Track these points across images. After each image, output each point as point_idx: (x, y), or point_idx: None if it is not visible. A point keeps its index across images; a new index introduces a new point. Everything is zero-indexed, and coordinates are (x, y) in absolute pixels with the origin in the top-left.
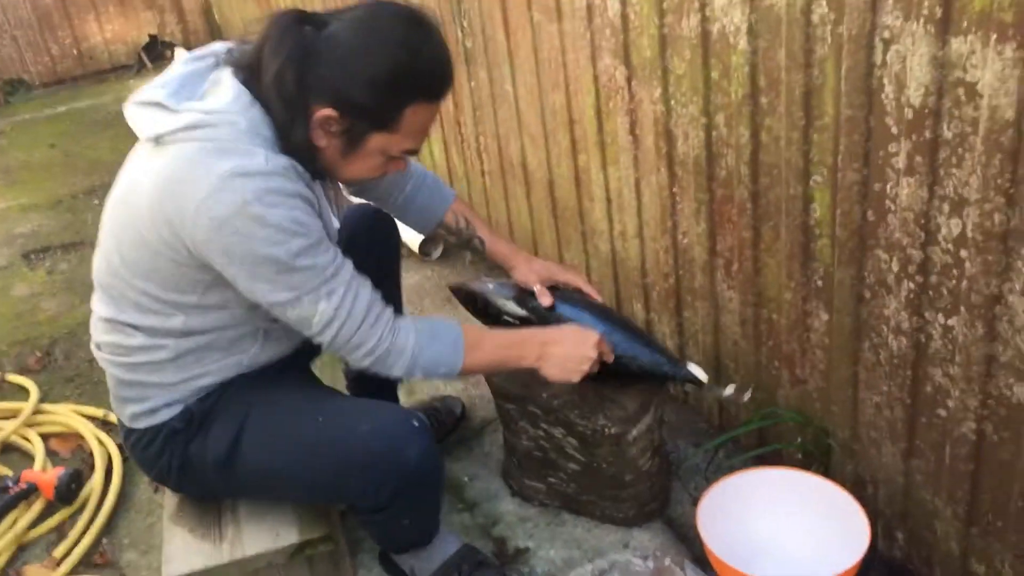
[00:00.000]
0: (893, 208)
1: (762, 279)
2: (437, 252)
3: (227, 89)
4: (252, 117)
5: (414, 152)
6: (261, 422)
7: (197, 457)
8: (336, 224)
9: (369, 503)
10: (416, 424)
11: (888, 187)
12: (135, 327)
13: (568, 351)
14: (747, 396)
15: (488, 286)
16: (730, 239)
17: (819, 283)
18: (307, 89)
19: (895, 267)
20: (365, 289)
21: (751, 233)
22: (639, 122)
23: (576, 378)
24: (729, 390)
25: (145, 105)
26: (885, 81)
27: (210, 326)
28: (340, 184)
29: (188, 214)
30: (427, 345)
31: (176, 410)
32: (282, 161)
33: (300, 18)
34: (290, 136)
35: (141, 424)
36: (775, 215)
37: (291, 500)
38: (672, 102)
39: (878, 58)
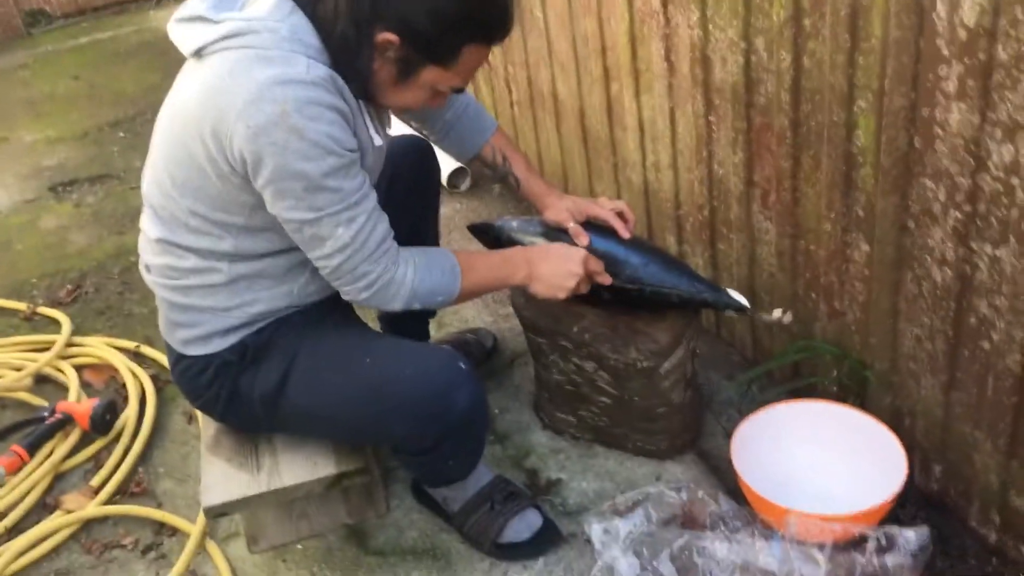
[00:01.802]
0: (941, 134)
1: (800, 209)
2: (465, 184)
3: None
4: (294, 24)
5: (460, 90)
6: (309, 362)
7: (246, 390)
8: (378, 141)
9: (414, 446)
10: (464, 367)
11: (937, 112)
12: (187, 248)
13: (555, 268)
14: (789, 317)
15: (512, 223)
16: (768, 169)
17: (860, 213)
18: (377, 11)
19: (942, 196)
20: (383, 223)
21: (790, 162)
22: (674, 48)
23: (562, 295)
24: (778, 313)
25: (186, 21)
26: (938, 1)
27: (260, 250)
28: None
29: (229, 122)
30: (426, 276)
31: (230, 341)
32: (323, 71)
33: None
34: (348, 54)
35: (192, 351)
36: (816, 143)
37: (334, 439)
38: (710, 26)
39: None
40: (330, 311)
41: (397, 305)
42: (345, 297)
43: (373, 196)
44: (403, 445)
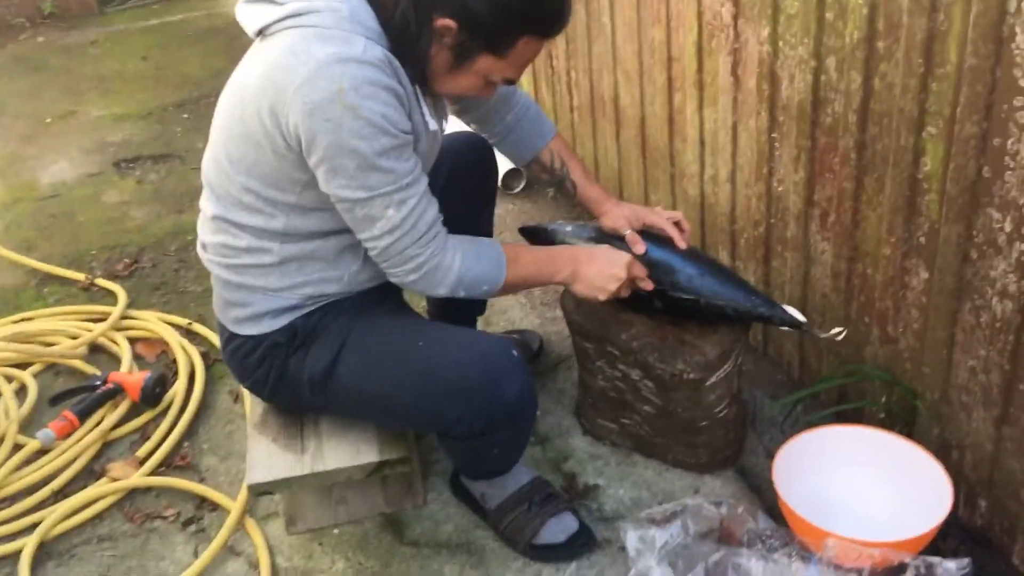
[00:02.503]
0: (1012, 165)
1: (860, 232)
2: (520, 186)
3: None
4: (354, 6)
5: (512, 82)
6: (360, 345)
7: (295, 372)
8: (432, 126)
9: (462, 432)
10: (516, 357)
11: (1009, 143)
12: (241, 227)
13: (598, 270)
14: (843, 335)
15: (566, 227)
16: (829, 189)
17: (922, 240)
18: None
19: (1008, 227)
20: (433, 207)
21: (853, 184)
22: (742, 62)
23: (602, 297)
24: (836, 331)
25: (253, 2)
26: (1017, 30)
27: (312, 230)
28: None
29: (286, 98)
30: (473, 264)
31: (281, 323)
32: (379, 52)
33: None
34: (407, 38)
35: (243, 330)
36: (881, 166)
37: (382, 423)
38: (780, 43)
39: (1012, 5)
40: (381, 299)
41: (443, 291)
42: (392, 280)
43: (424, 180)
44: (451, 430)
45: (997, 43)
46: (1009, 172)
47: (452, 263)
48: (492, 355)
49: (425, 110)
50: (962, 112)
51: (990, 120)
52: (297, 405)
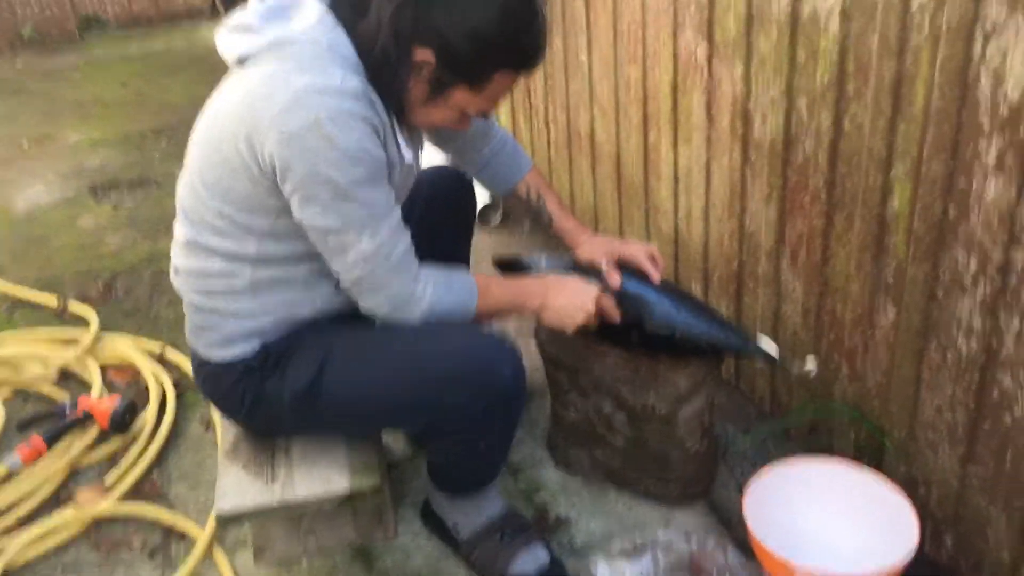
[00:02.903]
0: (977, 206)
1: (829, 269)
2: (496, 219)
3: (312, 11)
4: (333, 38)
5: (487, 115)
6: (345, 355)
7: (273, 394)
8: (407, 159)
9: (459, 418)
10: (507, 342)
11: (974, 184)
12: (213, 251)
13: (566, 301)
14: (815, 368)
15: (541, 260)
16: (800, 226)
17: (890, 279)
18: (418, 29)
19: (973, 267)
20: (405, 238)
21: (823, 222)
22: (716, 101)
23: (571, 327)
24: (809, 364)
25: (235, 30)
26: (982, 75)
27: (284, 255)
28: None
29: (263, 127)
30: (444, 294)
31: (253, 346)
32: (357, 84)
33: None
34: (385, 70)
35: (215, 355)
36: (850, 205)
37: (372, 428)
38: (753, 83)
39: (977, 51)
40: (357, 315)
41: (413, 322)
42: (364, 310)
43: (398, 211)
44: (447, 421)
45: (962, 87)
46: (974, 213)
47: (423, 294)
48: (485, 341)
49: (401, 141)
50: (929, 153)
51: (956, 161)
52: (274, 428)
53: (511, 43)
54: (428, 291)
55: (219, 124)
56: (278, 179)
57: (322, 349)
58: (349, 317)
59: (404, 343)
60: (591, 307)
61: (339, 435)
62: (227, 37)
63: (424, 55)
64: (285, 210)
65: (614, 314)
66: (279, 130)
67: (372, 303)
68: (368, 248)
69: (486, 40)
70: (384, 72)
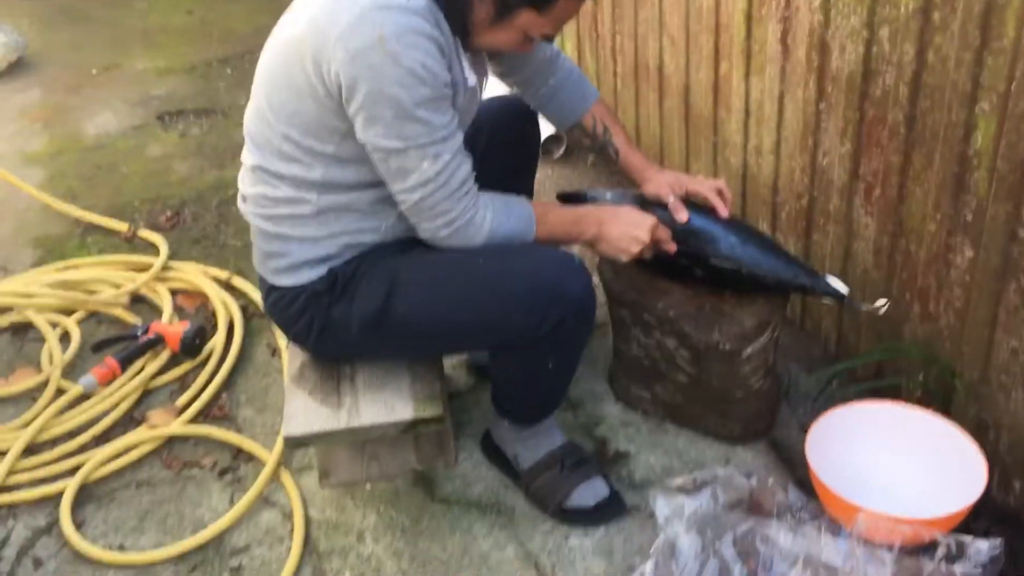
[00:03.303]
0: None
1: (905, 208)
2: (559, 152)
3: None
4: None
5: (551, 39)
6: (413, 279)
7: (341, 320)
8: (471, 81)
9: (530, 333)
10: (577, 258)
11: None
12: (280, 176)
13: (622, 231)
14: (886, 307)
15: (606, 194)
16: (876, 163)
17: (968, 217)
18: None
19: None
20: (467, 163)
21: (900, 158)
22: (792, 31)
23: (625, 257)
24: (881, 303)
25: None
26: None
27: (349, 181)
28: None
29: (328, 44)
30: (504, 221)
31: (319, 272)
32: (423, 3)
33: None
34: None
35: (283, 281)
36: (930, 141)
37: (441, 349)
38: (832, 12)
39: None
40: (420, 242)
41: (473, 247)
42: (423, 235)
43: (460, 136)
44: (521, 332)
45: None
46: None
47: (483, 220)
48: (555, 257)
49: (465, 64)
50: (1017, 88)
51: None
52: (342, 352)
53: None
54: (488, 216)
55: (286, 48)
56: (343, 98)
57: (390, 273)
58: (414, 243)
59: (472, 263)
60: (646, 237)
61: (407, 358)
62: None
63: None
64: (350, 133)
65: (671, 245)
66: (344, 47)
67: (432, 228)
68: (429, 172)
69: None
70: None
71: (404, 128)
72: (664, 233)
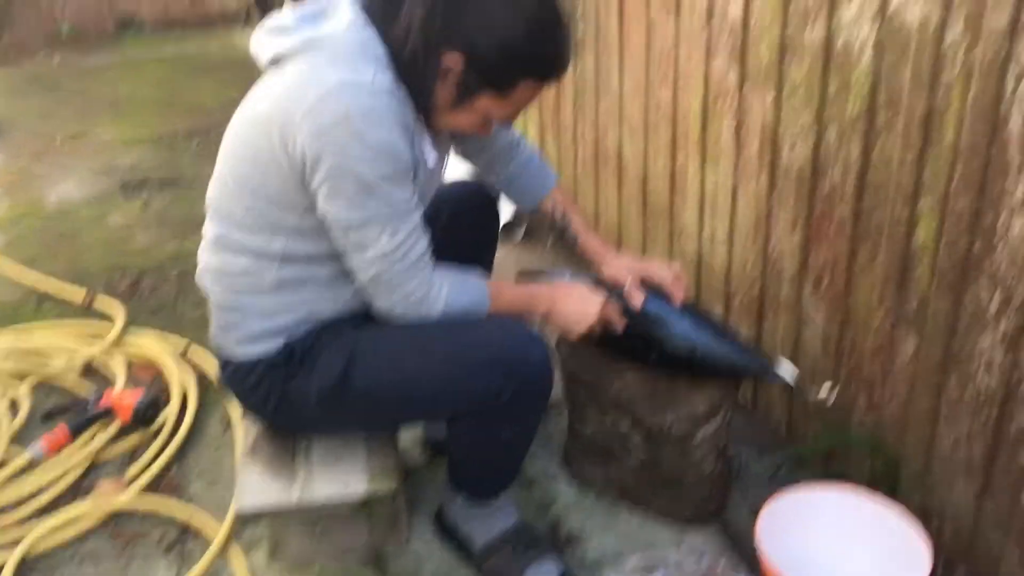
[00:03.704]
0: (1002, 242)
1: (852, 299)
2: (519, 236)
3: (345, 13)
4: (366, 38)
5: (509, 123)
6: (374, 342)
7: (299, 392)
8: (431, 162)
9: (489, 403)
10: (536, 333)
11: (1000, 220)
12: (241, 247)
13: (572, 308)
14: (834, 394)
15: (564, 276)
16: (824, 255)
17: (912, 311)
18: (448, 34)
19: (996, 302)
20: (424, 239)
21: (847, 251)
22: (746, 126)
23: (575, 334)
24: (825, 392)
25: (270, 32)
26: (1014, 111)
27: (309, 254)
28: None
29: (295, 120)
30: (459, 296)
31: (276, 344)
32: (388, 82)
33: None
34: (414, 72)
35: (240, 353)
36: (875, 236)
37: (399, 419)
38: (783, 110)
39: (1009, 87)
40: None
41: (428, 323)
42: (377, 312)
43: (419, 212)
44: (479, 400)
45: (993, 123)
46: (999, 249)
47: (439, 295)
48: (513, 328)
49: (427, 143)
50: (956, 188)
51: (983, 197)
52: (300, 425)
53: (537, 52)
54: (444, 292)
55: (252, 121)
56: (307, 172)
57: (349, 345)
58: (369, 317)
59: (431, 334)
60: (596, 314)
61: (365, 431)
62: (262, 39)
63: (452, 60)
64: (312, 207)
65: (619, 323)
66: (311, 123)
67: (387, 303)
68: (387, 246)
69: (513, 48)
70: (413, 74)
71: (365, 202)
72: (613, 312)
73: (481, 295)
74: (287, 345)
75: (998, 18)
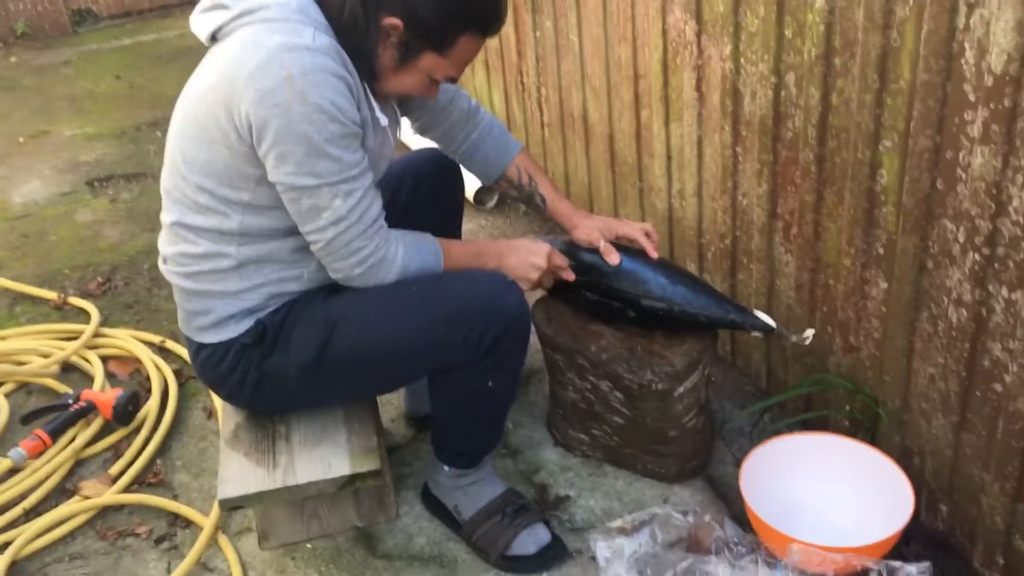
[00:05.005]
0: (964, 177)
1: (821, 244)
2: (492, 202)
3: None
4: (304, 4)
5: (454, 80)
6: (349, 310)
7: (276, 370)
8: (383, 121)
9: (471, 352)
10: (510, 279)
11: (961, 155)
12: (197, 231)
13: (519, 260)
14: (812, 337)
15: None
16: (791, 202)
17: (880, 251)
18: None
19: (961, 238)
20: (378, 202)
21: (814, 197)
22: (706, 79)
23: (525, 286)
24: (808, 334)
25: (206, 9)
26: (966, 46)
27: (267, 229)
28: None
29: (238, 88)
30: (414, 256)
31: (246, 325)
32: (328, 42)
33: None
34: (355, 35)
35: (209, 338)
36: (840, 179)
37: (383, 383)
38: (742, 60)
39: (960, 22)
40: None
41: (387, 284)
42: (335, 276)
43: (371, 175)
44: (461, 353)
45: (947, 59)
46: (961, 184)
47: (395, 256)
48: (488, 277)
49: (375, 105)
50: (915, 126)
51: (942, 134)
52: (281, 404)
53: (475, 9)
54: (400, 252)
55: (197, 98)
56: (254, 140)
57: (323, 315)
58: (338, 286)
59: (407, 290)
60: (543, 264)
61: (348, 400)
62: (199, 17)
63: (392, 22)
64: (264, 180)
65: (568, 272)
66: (254, 88)
67: (345, 266)
68: (342, 209)
69: (451, 7)
70: (353, 39)
71: (315, 165)
72: (561, 260)
73: (435, 254)
74: (258, 323)
75: None
